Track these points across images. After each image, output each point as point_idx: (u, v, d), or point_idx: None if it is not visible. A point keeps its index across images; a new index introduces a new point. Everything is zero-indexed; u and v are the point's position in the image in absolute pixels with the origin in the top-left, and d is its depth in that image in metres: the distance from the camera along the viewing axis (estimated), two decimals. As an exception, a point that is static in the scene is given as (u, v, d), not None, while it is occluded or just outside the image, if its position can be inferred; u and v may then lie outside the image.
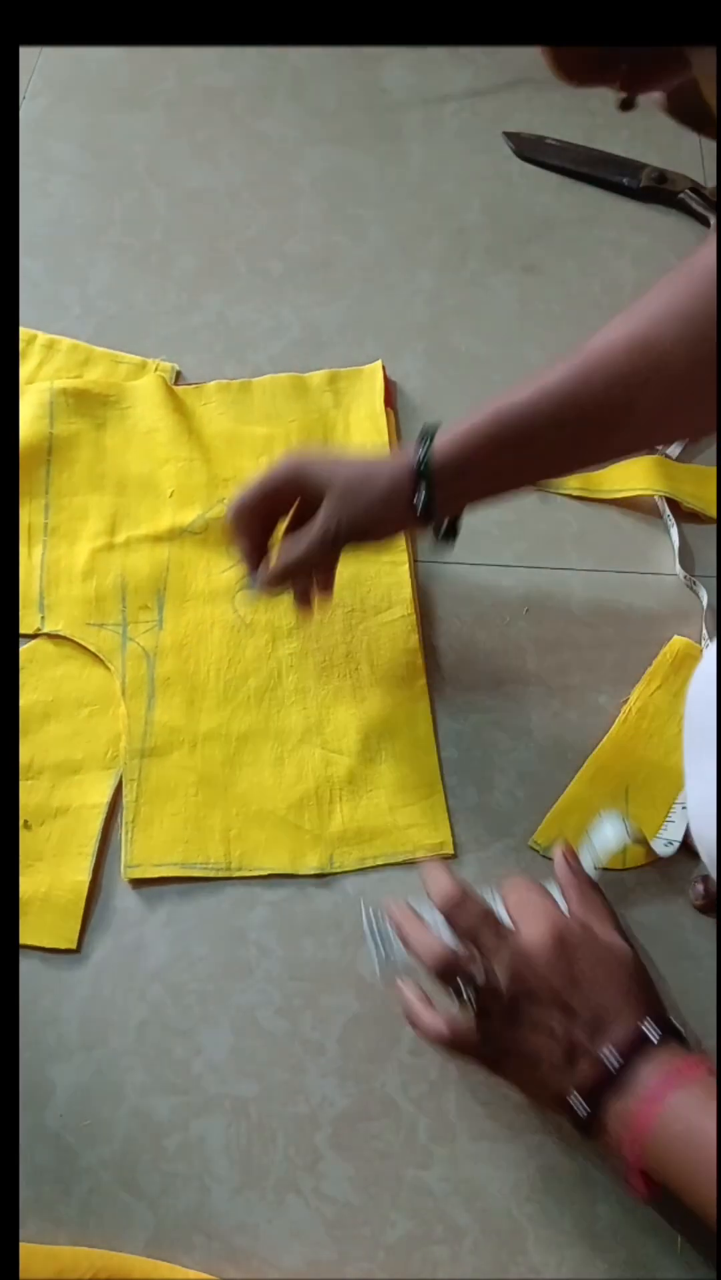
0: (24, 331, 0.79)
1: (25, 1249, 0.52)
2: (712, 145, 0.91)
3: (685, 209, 0.87)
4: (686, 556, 0.72)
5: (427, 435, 0.58)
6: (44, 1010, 0.58)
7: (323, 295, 0.83)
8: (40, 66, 0.94)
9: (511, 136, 0.91)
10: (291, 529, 0.62)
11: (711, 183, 0.88)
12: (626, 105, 0.46)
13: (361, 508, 0.59)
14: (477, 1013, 0.51)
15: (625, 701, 0.67)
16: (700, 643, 0.68)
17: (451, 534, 0.61)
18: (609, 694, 0.67)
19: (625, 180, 0.88)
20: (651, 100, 0.49)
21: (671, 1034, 0.51)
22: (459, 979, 0.52)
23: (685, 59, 0.38)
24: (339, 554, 0.62)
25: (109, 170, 0.89)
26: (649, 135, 0.91)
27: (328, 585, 0.65)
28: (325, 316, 0.82)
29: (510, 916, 0.55)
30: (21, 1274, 0.51)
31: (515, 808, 0.64)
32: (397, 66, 0.95)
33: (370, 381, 0.78)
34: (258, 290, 0.83)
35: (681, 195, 0.87)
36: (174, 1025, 0.58)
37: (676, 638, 0.69)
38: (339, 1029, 0.58)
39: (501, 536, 0.73)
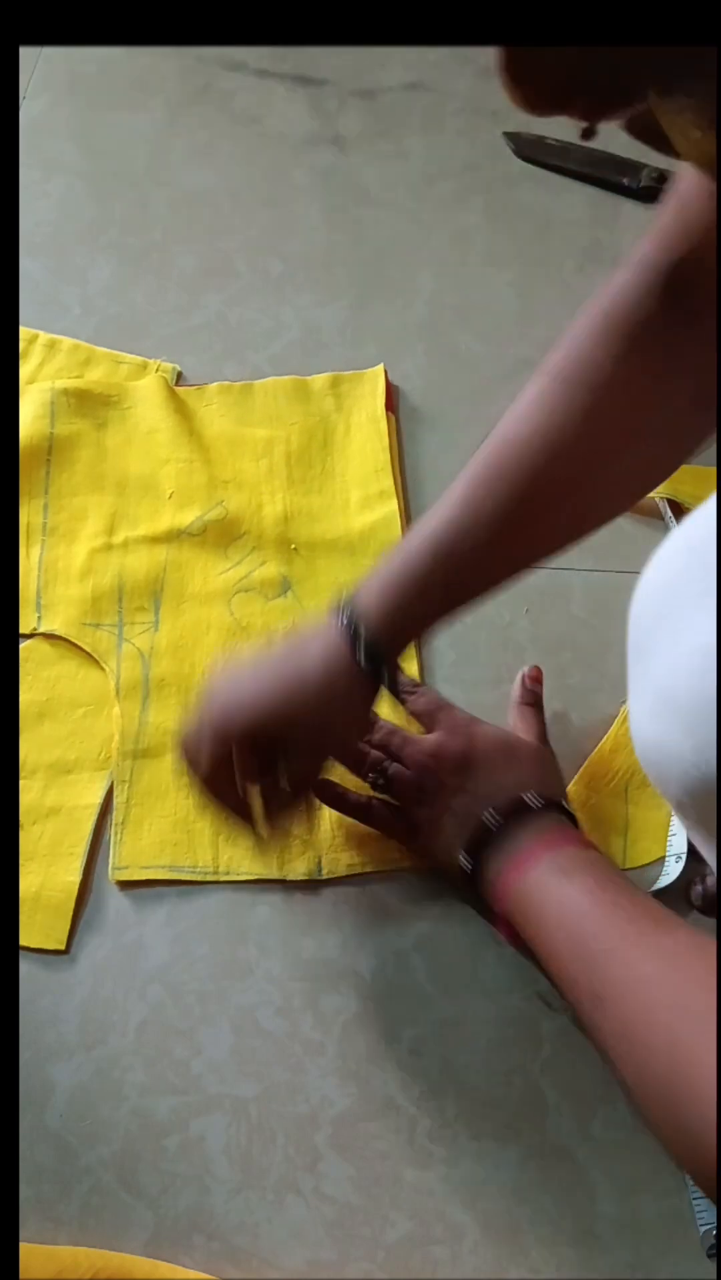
0: (25, 331, 0.79)
1: (25, 1249, 0.52)
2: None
3: None
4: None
5: (354, 631, 0.53)
6: (44, 1010, 0.58)
7: (322, 295, 0.83)
8: (40, 66, 0.94)
9: (511, 137, 0.91)
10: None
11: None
12: (587, 134, 0.45)
13: (328, 742, 0.56)
14: (391, 797, 0.60)
15: (625, 701, 0.67)
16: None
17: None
18: (608, 694, 0.67)
19: (625, 180, 0.88)
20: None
21: (556, 808, 0.56)
22: (372, 773, 0.60)
23: (642, 90, 0.38)
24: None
25: (109, 170, 0.89)
26: (649, 135, 0.91)
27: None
28: (325, 316, 0.82)
29: (420, 722, 0.62)
30: (21, 1274, 0.51)
31: (515, 808, 0.64)
32: (398, 66, 0.95)
33: (372, 385, 0.77)
34: (257, 290, 0.83)
35: None
36: (174, 1025, 0.58)
37: (676, 638, 0.69)
38: (339, 1029, 0.58)
39: (501, 536, 0.73)
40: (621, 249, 0.85)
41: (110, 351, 0.79)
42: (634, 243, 0.51)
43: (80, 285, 0.83)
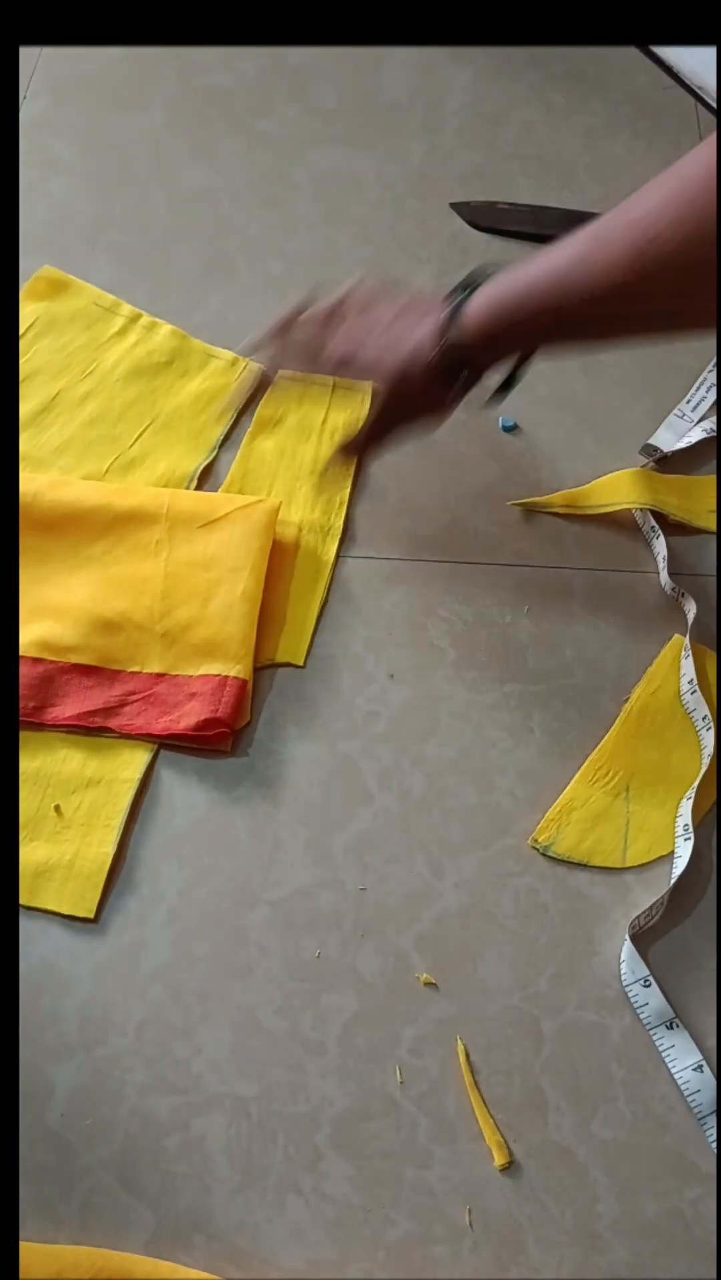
0: (127, 308, 0.81)
1: (25, 1248, 0.52)
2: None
3: None
4: (675, 565, 0.71)
5: (457, 308, 0.57)
6: (44, 1010, 0.58)
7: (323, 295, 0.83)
8: (40, 66, 0.94)
9: (459, 207, 0.87)
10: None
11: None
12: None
13: (404, 406, 0.64)
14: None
15: (626, 700, 0.67)
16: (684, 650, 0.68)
17: (507, 386, 0.62)
18: (610, 693, 0.67)
19: None
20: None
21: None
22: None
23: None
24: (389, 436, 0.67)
25: (109, 170, 0.89)
26: (649, 137, 0.91)
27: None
28: (325, 316, 0.82)
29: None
30: (21, 1274, 0.51)
31: (515, 807, 0.64)
32: (397, 66, 0.95)
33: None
34: (258, 290, 0.83)
35: None
36: (174, 1025, 0.58)
37: (677, 636, 0.69)
38: (339, 1029, 0.58)
39: (502, 536, 0.73)
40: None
41: (204, 345, 0.80)
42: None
43: (80, 285, 0.83)
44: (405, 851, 0.62)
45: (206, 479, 0.75)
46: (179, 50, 0.95)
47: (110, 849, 0.62)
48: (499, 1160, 0.54)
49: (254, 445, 0.76)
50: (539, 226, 0.86)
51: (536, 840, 0.63)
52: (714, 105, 0.92)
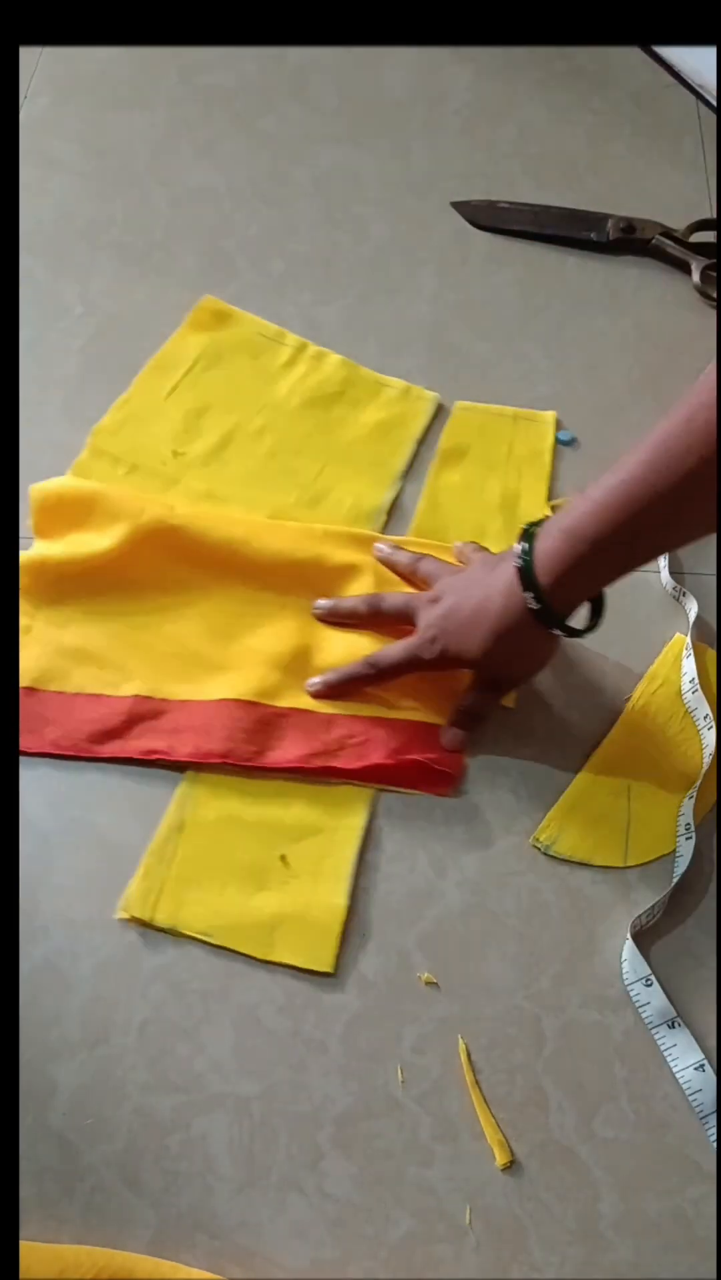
0: (292, 338, 0.80)
1: (27, 1248, 0.52)
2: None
3: (658, 255, 0.85)
4: (676, 564, 0.71)
5: (529, 577, 0.57)
6: (46, 1009, 0.58)
7: (324, 294, 0.83)
8: (40, 66, 0.94)
9: (460, 206, 0.87)
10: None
11: (681, 225, 0.85)
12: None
13: (510, 665, 0.64)
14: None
15: (628, 699, 0.67)
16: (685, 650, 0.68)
17: (597, 616, 0.61)
18: (611, 692, 0.67)
19: (591, 235, 0.85)
20: None
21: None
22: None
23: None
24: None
25: (110, 169, 0.89)
26: (650, 135, 0.91)
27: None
28: (327, 315, 0.82)
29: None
30: (23, 1273, 0.51)
31: (517, 805, 0.64)
32: (398, 65, 0.95)
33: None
34: (259, 289, 0.83)
35: (654, 241, 0.84)
36: (176, 1024, 0.58)
37: (678, 635, 0.69)
38: (341, 1027, 0.58)
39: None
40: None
41: (374, 374, 0.79)
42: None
43: (82, 284, 0.83)
44: (407, 850, 0.62)
45: (394, 513, 0.74)
46: (179, 50, 0.95)
47: (342, 900, 0.60)
48: (500, 1159, 0.54)
49: (439, 479, 0.75)
50: (540, 225, 0.86)
51: (538, 839, 0.63)
52: (714, 104, 0.92)
